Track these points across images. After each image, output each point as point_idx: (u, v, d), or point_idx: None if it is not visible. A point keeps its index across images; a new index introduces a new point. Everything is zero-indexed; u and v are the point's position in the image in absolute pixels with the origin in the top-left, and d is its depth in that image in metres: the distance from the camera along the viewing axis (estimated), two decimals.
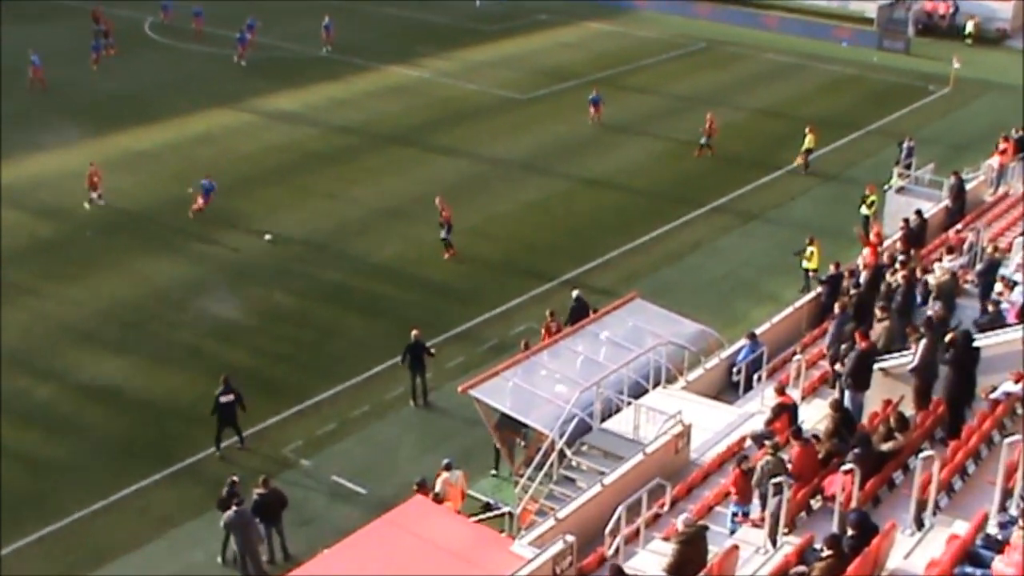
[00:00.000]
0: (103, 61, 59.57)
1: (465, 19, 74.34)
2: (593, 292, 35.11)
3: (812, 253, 34.22)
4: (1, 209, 40.73)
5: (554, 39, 70.17)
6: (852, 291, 26.04)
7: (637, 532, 18.57)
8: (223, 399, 26.54)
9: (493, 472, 25.80)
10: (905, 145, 42.65)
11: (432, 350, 29.55)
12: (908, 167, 39.65)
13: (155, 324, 33.45)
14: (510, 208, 42.50)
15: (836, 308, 24.43)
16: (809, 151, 46.33)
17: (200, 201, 40.17)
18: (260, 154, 47.69)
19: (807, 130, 46.40)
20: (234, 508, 22.11)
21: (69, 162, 45.67)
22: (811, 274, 33.83)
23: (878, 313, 23.47)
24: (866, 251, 30.08)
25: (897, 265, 26.74)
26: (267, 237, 37.44)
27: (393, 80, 59.64)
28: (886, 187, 38.86)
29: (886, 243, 30.90)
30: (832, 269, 28.63)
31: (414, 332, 29.13)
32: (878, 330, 22.74)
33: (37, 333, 32.59)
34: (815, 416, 21.54)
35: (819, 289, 28.41)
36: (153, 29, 68.50)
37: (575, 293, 31.25)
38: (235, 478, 23.49)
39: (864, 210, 37.93)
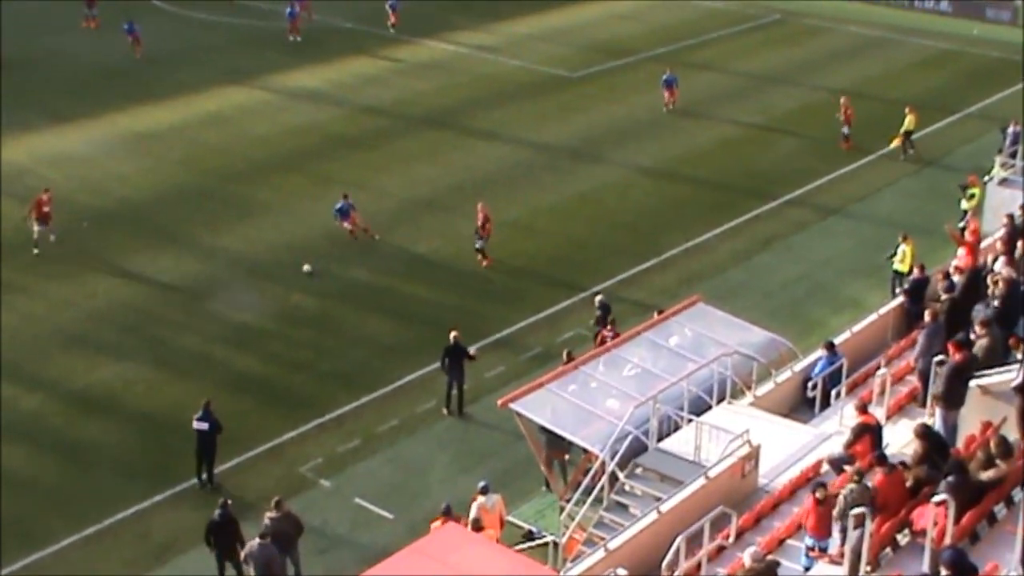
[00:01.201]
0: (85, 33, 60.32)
1: None
2: (651, 294, 35.13)
3: (905, 253, 33.91)
4: None
5: (608, 10, 70.12)
6: (945, 296, 25.80)
7: (698, 567, 18.51)
8: (195, 426, 26.35)
9: (544, 489, 25.83)
10: (1010, 131, 42.20)
11: (473, 352, 29.64)
12: (1012, 156, 39.23)
13: (157, 327, 33.75)
14: (557, 200, 42.54)
15: (927, 316, 24.22)
16: (909, 133, 46.31)
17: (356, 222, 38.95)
18: (277, 137, 48.03)
19: (907, 110, 46.35)
20: (258, 540, 22.13)
21: (61, 145, 46.25)
22: (903, 277, 33.56)
23: (977, 328, 23.24)
24: (961, 251, 29.79)
25: (998, 267, 26.47)
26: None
27: (427, 55, 59.87)
28: (987, 178, 38.55)
29: (985, 242, 30.59)
30: (916, 273, 28.37)
31: (453, 334, 29.24)
32: (977, 346, 22.51)
33: (25, 337, 32.95)
34: (902, 438, 21.37)
35: (902, 297, 28.19)
36: None
37: (599, 299, 31.06)
38: (227, 500, 23.62)
39: (964, 204, 37.62)
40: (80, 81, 53.88)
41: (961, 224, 34.85)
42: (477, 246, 37.14)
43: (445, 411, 29.52)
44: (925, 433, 19.08)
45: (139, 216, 40.53)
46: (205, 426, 26.26)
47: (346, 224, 38.73)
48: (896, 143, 46.49)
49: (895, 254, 34.20)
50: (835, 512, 17.80)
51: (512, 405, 23.26)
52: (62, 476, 27.27)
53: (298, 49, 59.37)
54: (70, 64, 55.32)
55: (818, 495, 18.41)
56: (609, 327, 29.61)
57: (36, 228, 37.24)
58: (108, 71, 54.47)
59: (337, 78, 55.59)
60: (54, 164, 44.46)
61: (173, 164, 45.00)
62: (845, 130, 47.17)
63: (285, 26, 60.62)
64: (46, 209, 37.28)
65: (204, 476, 26.68)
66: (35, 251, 37.03)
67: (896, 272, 34.08)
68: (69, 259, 37.18)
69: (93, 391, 30.55)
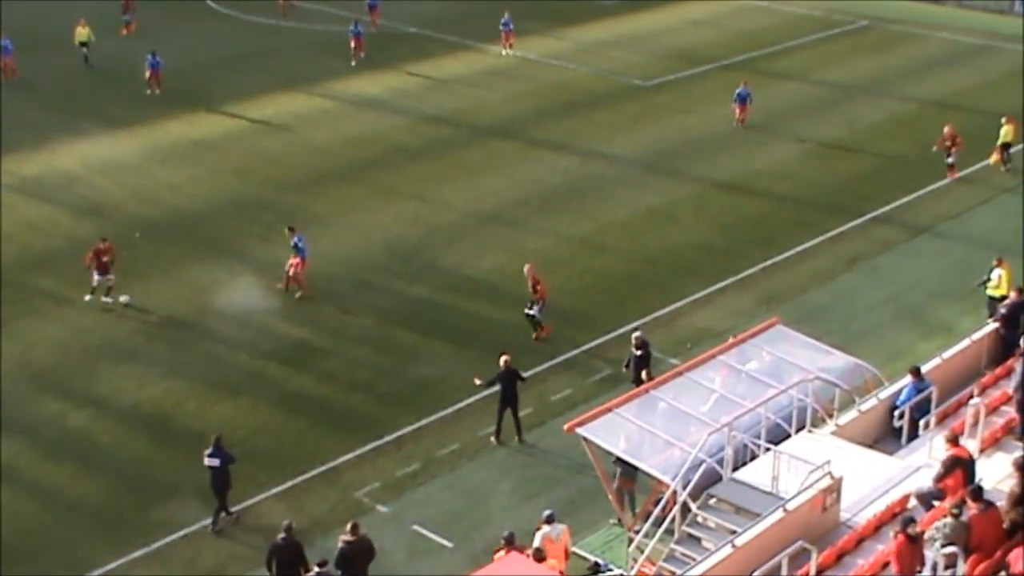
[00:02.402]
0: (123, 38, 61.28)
1: None
2: (727, 316, 35.02)
3: (1000, 278, 33.36)
4: (29, 205, 41.88)
5: (684, 15, 70.13)
6: None
7: None
8: (207, 462, 26.07)
9: (614, 521, 25.78)
10: None
11: (523, 375, 29.66)
12: None
13: (210, 343, 34.09)
14: (629, 215, 42.51)
15: (1023, 342, 23.93)
16: (1008, 145, 45.94)
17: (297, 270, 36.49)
18: (336, 146, 48.44)
19: (1004, 120, 45.91)
20: (316, 569, 22.17)
21: (113, 152, 46.92)
22: (999, 303, 33.03)
23: None
24: None
25: None
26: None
27: (493, 62, 60.16)
28: None
29: None
30: (1014, 296, 28.02)
31: (504, 358, 29.27)
32: None
33: (73, 351, 33.43)
34: (996, 474, 21.12)
35: (994, 323, 27.82)
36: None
37: (636, 335, 30.40)
38: (291, 523, 23.71)
39: None
40: (134, 87, 54.60)
41: None
42: (531, 313, 34.02)
43: (494, 440, 29.47)
44: None
45: (192, 227, 41.00)
46: (217, 462, 26.04)
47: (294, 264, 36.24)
48: (994, 157, 46.01)
49: (989, 279, 33.68)
50: (929, 549, 17.58)
51: (579, 430, 23.28)
52: (109, 496, 27.56)
53: (363, 41, 59.82)
54: (125, 69, 56.06)
55: (908, 531, 18.17)
56: (646, 376, 28.63)
57: (95, 277, 35.53)
58: (165, 77, 55.13)
59: (399, 86, 55.98)
60: (105, 172, 45.16)
61: (227, 173, 45.51)
62: (948, 158, 45.65)
63: (348, 40, 60.20)
64: (104, 259, 35.48)
65: (222, 513, 26.50)
66: (87, 297, 35.69)
67: (991, 298, 33.49)
68: (120, 271, 37.53)
69: (143, 408, 30.89)
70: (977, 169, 46.01)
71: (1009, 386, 24.50)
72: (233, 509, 26.74)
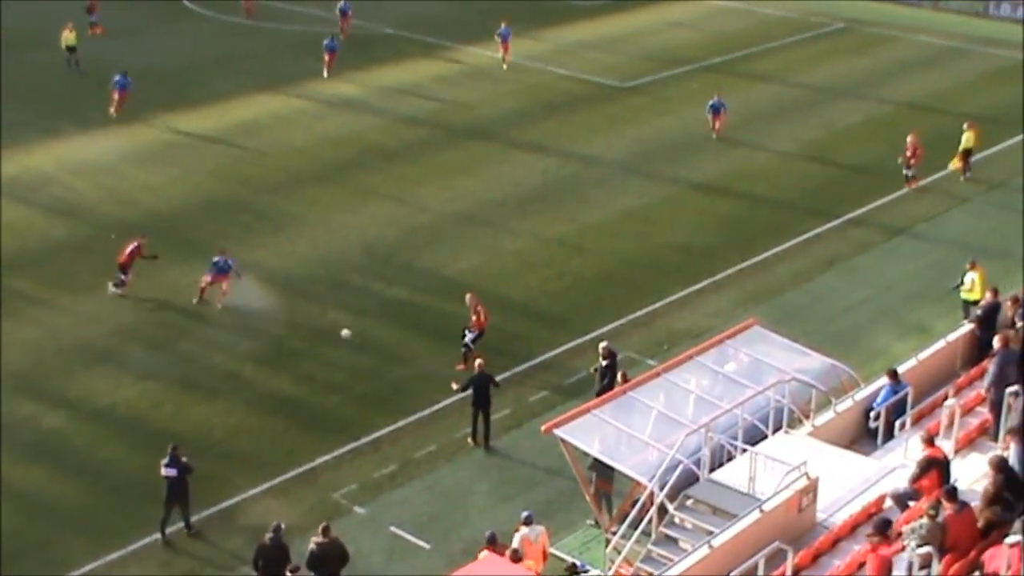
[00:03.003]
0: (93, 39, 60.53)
1: None
2: (704, 317, 35.12)
3: (974, 282, 33.45)
4: (3, 206, 41.63)
5: (662, 17, 70.27)
6: (1019, 323, 25.62)
7: None
8: (163, 472, 25.65)
9: (591, 523, 25.81)
10: None
11: (497, 381, 29.66)
12: None
13: (186, 344, 34.00)
14: (607, 216, 42.56)
15: (996, 343, 24.04)
16: (968, 152, 45.72)
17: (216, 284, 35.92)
18: (314, 147, 48.37)
19: (966, 126, 45.83)
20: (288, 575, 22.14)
21: (88, 153, 46.71)
22: (974, 307, 33.11)
23: None
24: None
25: None
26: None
27: (471, 63, 60.15)
28: None
29: None
30: (988, 297, 28.16)
31: (478, 362, 29.34)
32: None
33: (47, 352, 33.23)
34: (971, 474, 21.20)
35: (969, 325, 27.95)
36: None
37: (603, 345, 30.06)
38: (280, 524, 23.68)
39: None
40: (110, 87, 54.36)
41: None
42: (466, 341, 32.57)
43: (471, 442, 29.46)
44: (1002, 467, 18.85)
45: (168, 228, 40.82)
46: (174, 472, 25.56)
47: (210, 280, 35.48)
48: (955, 164, 45.79)
49: (962, 283, 33.81)
50: (905, 545, 17.63)
51: (556, 431, 23.31)
52: (85, 498, 27.45)
53: (338, 56, 59.69)
54: (101, 69, 55.79)
55: (883, 533, 18.19)
56: (621, 378, 27.96)
57: (121, 276, 35.97)
58: (138, 77, 54.86)
59: (377, 87, 55.93)
60: (80, 173, 44.97)
61: (205, 174, 45.39)
62: (907, 170, 44.89)
63: (314, 32, 60.39)
64: (141, 253, 36.11)
65: (182, 524, 26.10)
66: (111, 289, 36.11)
67: (966, 301, 33.60)
68: (95, 272, 37.47)
69: (118, 410, 30.77)
70: (943, 176, 45.78)
71: (983, 387, 24.62)
72: (209, 511, 26.70)
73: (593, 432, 23.37)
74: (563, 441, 23.42)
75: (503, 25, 59.00)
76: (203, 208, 42.41)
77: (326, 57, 56.52)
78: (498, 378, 29.95)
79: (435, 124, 51.34)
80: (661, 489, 21.74)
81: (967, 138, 45.61)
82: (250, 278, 36.64)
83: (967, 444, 23.34)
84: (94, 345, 33.64)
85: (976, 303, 32.39)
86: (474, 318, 32.72)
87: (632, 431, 23.26)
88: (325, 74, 56.48)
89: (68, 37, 56.27)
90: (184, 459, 25.68)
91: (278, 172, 45.65)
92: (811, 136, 50.88)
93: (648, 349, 33.38)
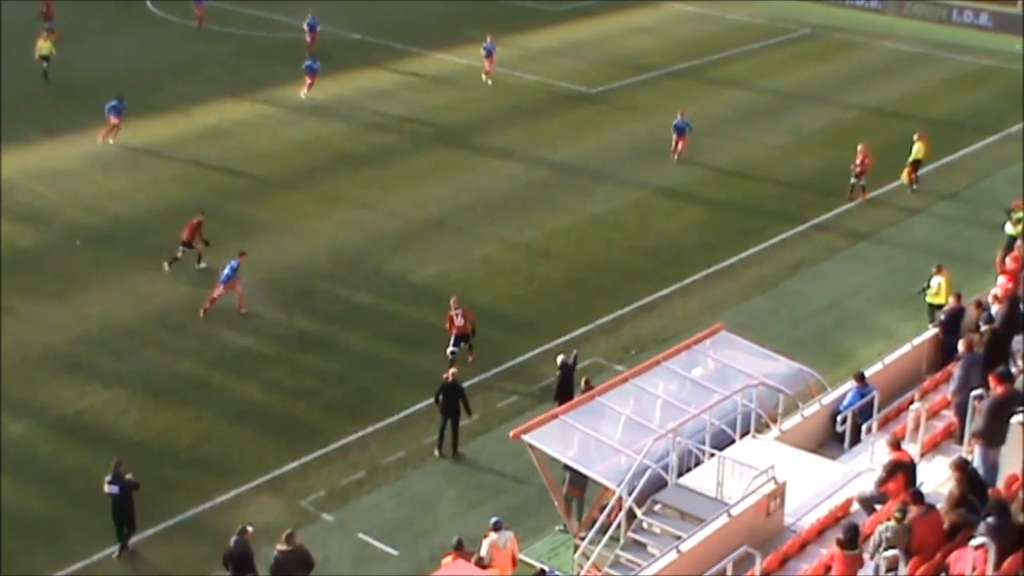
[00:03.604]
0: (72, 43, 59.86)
1: None
2: (672, 322, 35.26)
3: (940, 286, 33.68)
4: None
5: (629, 23, 70.44)
6: (984, 326, 25.80)
7: None
8: (106, 489, 25.01)
9: (560, 528, 25.85)
10: None
11: (467, 400, 29.45)
12: None
13: (152, 351, 33.86)
14: (574, 222, 42.63)
15: (961, 347, 24.21)
16: (918, 163, 45.51)
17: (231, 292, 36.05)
18: (280, 153, 48.22)
19: (915, 137, 45.66)
20: None
21: (52, 160, 46.42)
22: (939, 310, 33.28)
23: (1020, 362, 23.23)
24: (1002, 279, 29.82)
25: None
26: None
27: (438, 69, 60.10)
28: None
29: None
30: (952, 302, 28.37)
31: (452, 370, 29.41)
32: (1020, 380, 22.48)
33: (13, 360, 32.93)
34: (937, 477, 21.32)
35: (935, 329, 28.16)
36: (157, 3, 69.54)
37: (559, 359, 30.01)
38: (247, 527, 23.62)
39: (1010, 229, 37.50)
40: (74, 93, 54.14)
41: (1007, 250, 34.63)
42: (451, 349, 32.60)
43: (437, 453, 29.37)
44: (963, 467, 18.97)
45: (134, 235, 40.69)
46: (116, 490, 24.96)
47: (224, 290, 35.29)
48: (905, 175, 45.67)
49: (928, 287, 34.04)
50: (868, 551, 17.73)
51: (525, 437, 23.35)
52: (50, 507, 27.30)
53: (302, 61, 59.47)
54: (64, 75, 55.53)
55: (849, 536, 18.29)
56: (584, 384, 27.58)
57: (181, 249, 37.60)
58: (104, 82, 54.64)
59: (343, 92, 55.80)
60: (44, 180, 44.65)
61: (170, 181, 45.19)
62: (854, 180, 44.42)
63: (281, 37, 59.98)
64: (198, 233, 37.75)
65: (122, 544, 25.66)
66: (202, 265, 37.84)
67: (931, 305, 33.83)
68: (60, 279, 37.33)
69: (84, 418, 30.62)
70: (902, 184, 45.86)
71: (948, 390, 24.79)
72: (175, 519, 26.61)
73: (561, 438, 23.43)
74: (531, 447, 23.47)
75: (488, 40, 57.92)
76: (169, 214, 42.09)
77: (307, 79, 54.39)
78: (465, 384, 29.97)
79: (402, 130, 51.30)
80: (629, 494, 21.80)
81: (917, 149, 45.37)
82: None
83: (933, 447, 23.48)
84: (60, 353, 33.46)
85: (942, 307, 32.60)
86: (449, 323, 32.76)
87: (600, 436, 23.32)
88: (303, 94, 54.48)
89: (43, 46, 55.35)
90: (129, 476, 25.16)
91: (244, 178, 45.52)
92: (777, 141, 51.12)
93: (616, 354, 33.48)
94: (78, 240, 39.92)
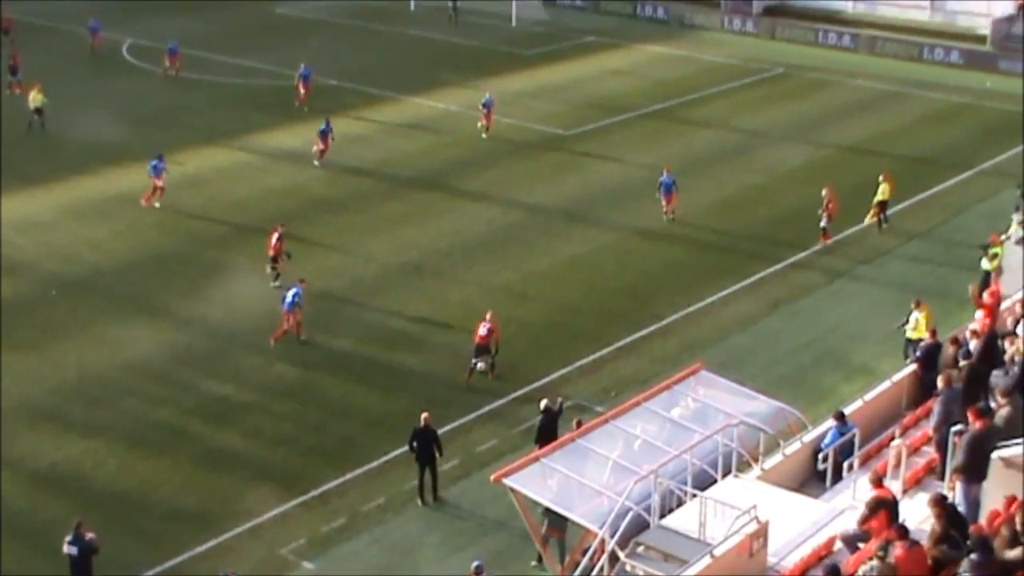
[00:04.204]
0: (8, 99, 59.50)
1: (499, 42, 75.15)
2: (651, 363, 35.19)
3: (918, 321, 33.74)
4: None
5: (603, 65, 70.73)
6: (962, 361, 25.80)
7: None
8: (65, 550, 24.50)
9: (534, 563, 25.63)
10: None
11: (440, 443, 29.32)
12: None
13: (130, 400, 33.64)
14: (552, 264, 42.61)
15: (940, 382, 24.20)
16: (884, 203, 45.50)
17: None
18: (258, 199, 48.13)
19: (881, 178, 45.62)
20: None
21: (29, 209, 46.18)
22: (917, 345, 33.30)
23: (999, 397, 23.21)
24: (979, 314, 29.84)
25: (1020, 330, 26.50)
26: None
27: (414, 113, 60.21)
28: (1004, 237, 38.69)
29: (1004, 304, 30.64)
30: (928, 338, 28.38)
31: (424, 415, 29.14)
32: (998, 415, 22.46)
33: None
34: (919, 514, 21.25)
35: (912, 365, 28.18)
36: (132, 52, 69.63)
37: (543, 403, 29.87)
38: (227, 573, 23.42)
39: (985, 264, 37.58)
40: (50, 142, 54.01)
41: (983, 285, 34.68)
42: (474, 361, 34.44)
43: (420, 502, 29.16)
44: (941, 503, 18.92)
45: (111, 283, 40.52)
46: (75, 551, 24.44)
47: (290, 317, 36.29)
48: (872, 216, 45.65)
49: (907, 322, 34.10)
50: None
51: (505, 480, 23.19)
52: (23, 562, 26.89)
53: (280, 108, 59.65)
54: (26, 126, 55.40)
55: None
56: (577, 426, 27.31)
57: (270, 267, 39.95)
58: (79, 131, 54.60)
59: None
60: (20, 230, 44.36)
61: (148, 229, 45.05)
62: (823, 223, 44.11)
63: (257, 84, 59.92)
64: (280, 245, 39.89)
65: None
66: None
67: (909, 340, 33.90)
68: (36, 329, 37.10)
69: (60, 469, 30.36)
70: (869, 224, 45.81)
71: (929, 426, 24.76)
72: (152, 571, 26.33)
73: (542, 480, 23.28)
74: (512, 490, 23.31)
75: (487, 95, 57.26)
76: (147, 262, 42.08)
77: (320, 143, 51.88)
78: (445, 428, 29.89)
79: (379, 175, 51.29)
80: (612, 536, 21.65)
81: (883, 189, 45.33)
82: (196, 333, 36.40)
83: (914, 484, 23.43)
84: (36, 404, 33.20)
85: (919, 342, 32.64)
86: (474, 333, 34.42)
87: (581, 478, 23.18)
88: (316, 162, 51.91)
89: (36, 98, 55.21)
90: (90, 536, 24.66)
91: (222, 225, 45.40)
92: (753, 180, 51.27)
93: (596, 396, 33.40)
94: (54, 290, 39.71)
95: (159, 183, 46.64)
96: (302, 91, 59.85)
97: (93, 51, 69.02)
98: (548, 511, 23.95)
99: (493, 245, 43.92)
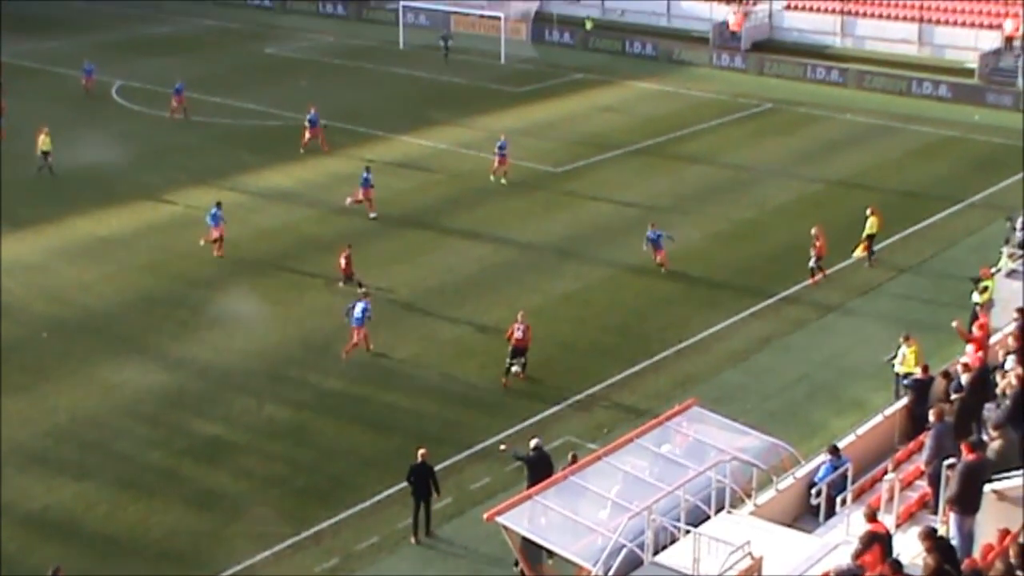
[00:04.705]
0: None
1: (488, 80, 75.50)
2: (643, 399, 35.19)
3: (906, 356, 33.79)
4: None
5: (592, 102, 71.05)
6: (953, 395, 25.89)
7: None
8: None
9: None
10: (1019, 221, 42.65)
11: (437, 481, 29.36)
12: (1021, 246, 39.54)
13: (122, 442, 33.58)
14: (543, 301, 42.63)
15: (932, 416, 24.26)
16: (872, 237, 45.64)
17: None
18: (248, 240, 48.14)
19: (868, 212, 45.78)
20: None
21: (19, 252, 46.18)
22: (906, 380, 33.29)
23: (991, 431, 23.29)
24: (970, 348, 29.93)
25: (1011, 364, 26.57)
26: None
27: (403, 152, 60.38)
28: (994, 270, 38.80)
29: (994, 337, 30.73)
30: (919, 373, 28.45)
31: (421, 452, 29.19)
32: (990, 448, 22.53)
33: None
34: (913, 548, 21.26)
35: (905, 399, 28.24)
36: (122, 93, 69.83)
37: (533, 442, 29.54)
38: None
39: (977, 297, 37.68)
40: (40, 184, 54.11)
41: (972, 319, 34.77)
42: (509, 363, 36.36)
43: (413, 540, 29.13)
44: (931, 536, 18.88)
45: (101, 325, 40.51)
46: None
47: (361, 332, 37.86)
48: (860, 251, 45.79)
49: (895, 356, 34.15)
50: None
51: (499, 518, 23.17)
52: None
53: (270, 148, 59.83)
54: (30, 167, 55.46)
55: None
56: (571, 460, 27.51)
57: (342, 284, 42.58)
58: (68, 173, 54.73)
59: (310, 178, 55.96)
60: (10, 272, 44.29)
61: (138, 270, 45.07)
62: (813, 262, 44.03)
63: (246, 124, 60.00)
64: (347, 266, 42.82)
65: None
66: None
67: (899, 375, 33.89)
68: (27, 372, 37.04)
69: (51, 513, 30.25)
70: (858, 259, 45.85)
71: (921, 460, 24.80)
72: None
73: (536, 518, 23.27)
74: (506, 528, 23.30)
75: (502, 138, 55.92)
76: (137, 303, 42.09)
77: (360, 192, 50.58)
78: (439, 466, 29.85)
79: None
80: (605, 574, 21.63)
81: (871, 223, 45.45)
82: (187, 375, 36.38)
83: (908, 518, 23.47)
84: (26, 447, 33.09)
85: (907, 376, 32.64)
86: (509, 335, 36.32)
87: (575, 516, 23.17)
88: (371, 214, 50.41)
89: (44, 141, 55.24)
90: None
91: (213, 266, 45.40)
92: (743, 216, 51.42)
93: (588, 432, 33.40)
94: (45, 332, 39.67)
95: (218, 233, 45.79)
96: (308, 135, 59.42)
97: (87, 92, 69.28)
98: (541, 548, 23.90)
99: (484, 283, 43.99)
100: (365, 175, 50.90)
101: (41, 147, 55.08)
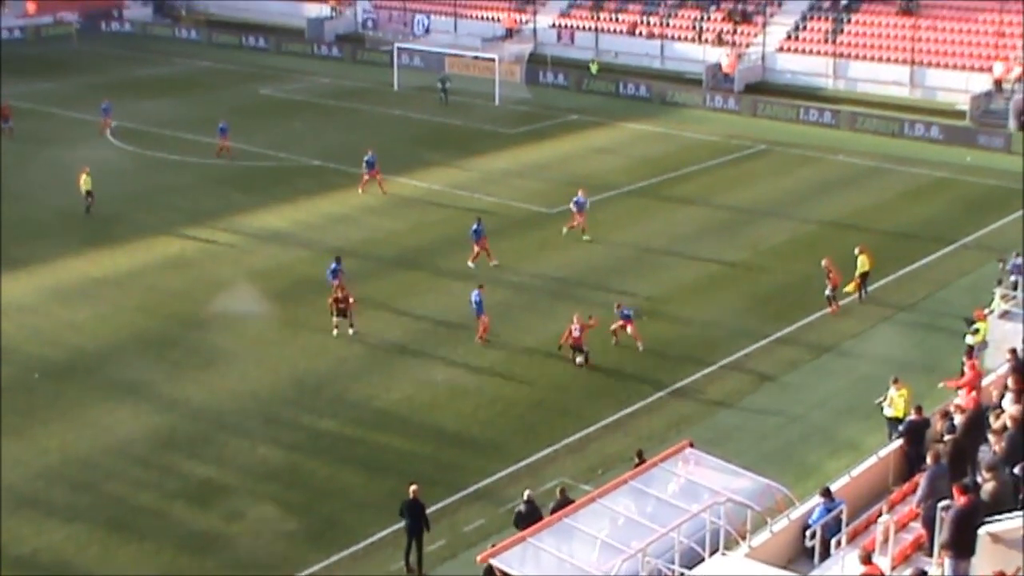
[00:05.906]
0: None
1: (482, 121, 75.73)
2: (638, 440, 35.10)
3: (893, 399, 33.72)
4: None
5: (586, 143, 71.28)
6: (946, 436, 25.88)
7: None
8: None
9: None
10: (1011, 262, 42.80)
11: (427, 518, 29.38)
12: (1014, 287, 39.59)
13: (113, 484, 33.47)
14: (536, 342, 42.60)
15: (928, 458, 24.25)
16: (865, 275, 45.81)
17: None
18: (242, 281, 48.14)
19: (857, 251, 46.01)
20: None
21: (11, 293, 46.10)
22: (896, 424, 33.17)
23: (984, 472, 23.27)
24: (963, 390, 29.95)
25: (1006, 404, 26.58)
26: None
27: (397, 192, 60.44)
28: (987, 311, 38.87)
29: (987, 379, 30.77)
30: (913, 415, 28.46)
31: (412, 488, 29.16)
32: (984, 490, 22.51)
33: None
34: None
35: (898, 441, 28.23)
36: (115, 134, 69.98)
37: (526, 494, 29.43)
38: None
39: (970, 339, 37.71)
40: (32, 224, 54.15)
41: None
42: (578, 362, 39.88)
43: (405, 569, 29.11)
44: None
45: (94, 366, 40.45)
46: None
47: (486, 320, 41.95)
48: (854, 288, 45.88)
49: (885, 399, 34.08)
50: None
51: (493, 561, 23.14)
52: None
53: (264, 189, 59.95)
54: (22, 209, 55.54)
55: None
56: (560, 495, 28.28)
57: (335, 319, 42.72)
58: (60, 214, 54.80)
59: (304, 218, 56.05)
60: (3, 314, 44.25)
61: (131, 311, 45.04)
62: (828, 292, 44.64)
63: (239, 164, 60.00)
64: (342, 305, 42.62)
65: None
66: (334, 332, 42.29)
67: (888, 419, 33.78)
68: (18, 413, 36.94)
69: (41, 556, 30.11)
70: (852, 298, 45.91)
71: (914, 502, 24.77)
72: None
73: (530, 560, 23.21)
74: (499, 571, 23.21)
75: (580, 193, 53.82)
76: (130, 344, 42.04)
77: (475, 246, 49.67)
78: (432, 508, 29.79)
79: (364, 254, 51.39)
80: None
81: (862, 261, 45.63)
82: (181, 416, 36.30)
83: (903, 560, 23.39)
84: (18, 489, 32.95)
85: (898, 420, 32.52)
86: (567, 335, 40.35)
87: (569, 558, 23.13)
88: (488, 263, 49.63)
89: (86, 181, 55.30)
90: None
91: (206, 306, 45.38)
92: (737, 257, 51.48)
93: (582, 474, 33.33)
94: (36, 374, 39.60)
95: (344, 292, 43.60)
96: (366, 177, 59.40)
97: (102, 133, 69.45)
98: None
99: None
100: (476, 227, 49.91)
101: (83, 187, 55.24)
